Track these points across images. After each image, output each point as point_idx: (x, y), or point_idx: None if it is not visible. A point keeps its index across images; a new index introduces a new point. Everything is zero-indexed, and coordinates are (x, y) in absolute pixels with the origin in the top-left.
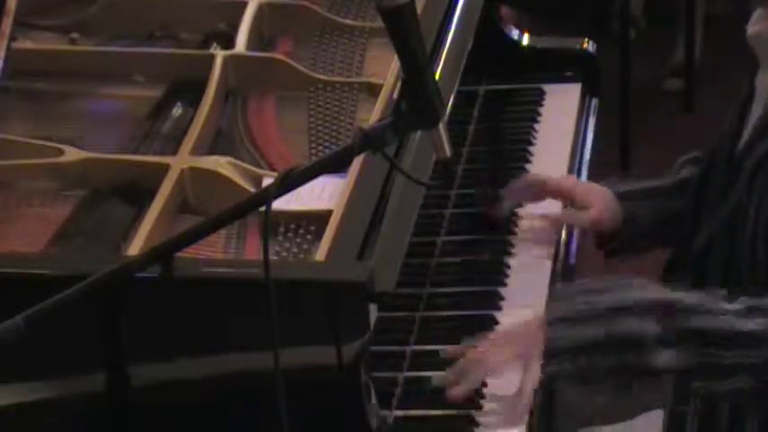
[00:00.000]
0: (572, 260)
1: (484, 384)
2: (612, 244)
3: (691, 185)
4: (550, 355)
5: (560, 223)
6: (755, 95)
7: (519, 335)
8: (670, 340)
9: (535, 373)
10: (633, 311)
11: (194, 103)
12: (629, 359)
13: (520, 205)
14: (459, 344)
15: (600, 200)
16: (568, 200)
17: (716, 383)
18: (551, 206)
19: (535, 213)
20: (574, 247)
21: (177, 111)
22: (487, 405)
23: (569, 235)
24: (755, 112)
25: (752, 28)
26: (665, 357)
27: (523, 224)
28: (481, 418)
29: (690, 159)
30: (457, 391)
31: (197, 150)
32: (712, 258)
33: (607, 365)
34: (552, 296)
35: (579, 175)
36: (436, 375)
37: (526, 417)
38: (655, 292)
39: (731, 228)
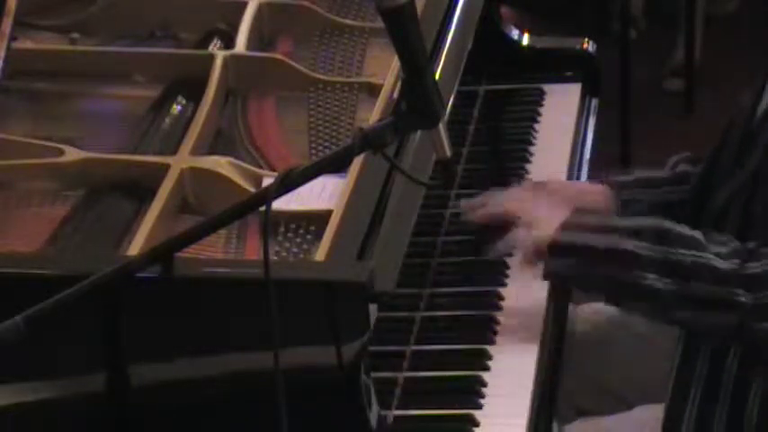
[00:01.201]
0: None
1: (483, 384)
2: None
3: (699, 169)
4: (553, 251)
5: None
6: None
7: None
8: (659, 267)
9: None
10: (635, 234)
11: (194, 102)
12: (620, 274)
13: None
14: (458, 344)
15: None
16: None
17: (696, 314)
18: None
19: None
20: None
21: (177, 110)
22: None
23: None
24: None
25: None
26: (651, 280)
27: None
28: (482, 419)
29: (684, 158)
30: (494, 252)
31: (197, 150)
32: (729, 220)
33: (600, 275)
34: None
35: (579, 175)
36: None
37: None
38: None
39: (747, 192)
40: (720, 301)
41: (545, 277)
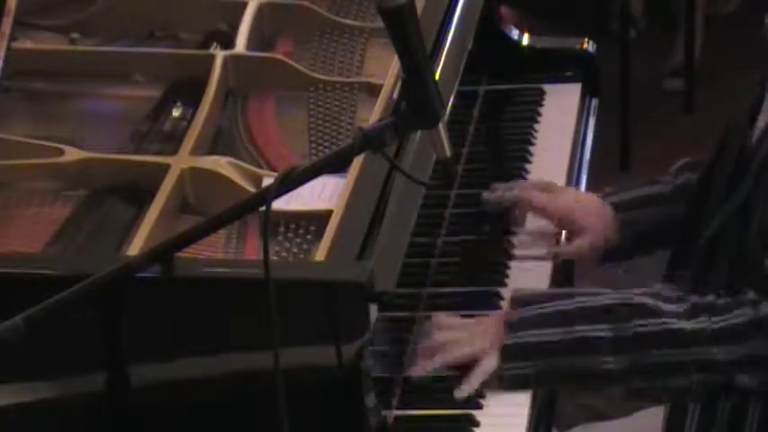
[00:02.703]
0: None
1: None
2: (612, 254)
3: (698, 175)
4: (506, 357)
5: (559, 257)
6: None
7: (483, 329)
8: (620, 346)
9: (490, 364)
10: (586, 316)
11: (194, 103)
12: (582, 363)
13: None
14: None
15: (597, 221)
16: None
17: (663, 381)
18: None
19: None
20: None
21: (177, 111)
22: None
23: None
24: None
25: None
26: (616, 361)
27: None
28: (482, 419)
29: (685, 165)
30: (417, 369)
31: (197, 150)
32: (721, 248)
33: (562, 368)
34: (510, 303)
35: (579, 175)
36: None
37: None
38: (599, 297)
39: (742, 218)
40: (695, 362)
41: (504, 386)
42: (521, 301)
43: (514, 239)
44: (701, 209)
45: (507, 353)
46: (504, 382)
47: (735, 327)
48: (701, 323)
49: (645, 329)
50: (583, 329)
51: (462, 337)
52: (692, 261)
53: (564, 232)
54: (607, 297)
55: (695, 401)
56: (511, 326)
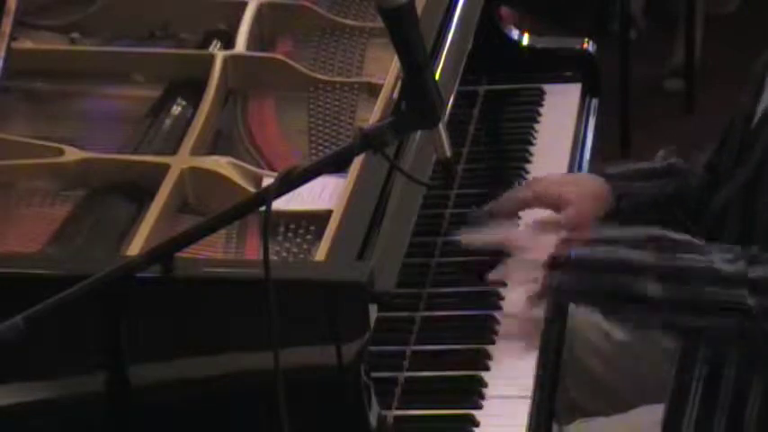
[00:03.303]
0: None
1: (483, 384)
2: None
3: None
4: (557, 266)
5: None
6: None
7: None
8: (662, 273)
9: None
10: (636, 244)
11: (194, 102)
12: (623, 282)
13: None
14: (458, 344)
15: (578, 195)
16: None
17: (697, 319)
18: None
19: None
20: None
21: (177, 110)
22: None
23: None
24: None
25: None
26: (653, 288)
27: (522, 225)
28: (482, 419)
29: (670, 151)
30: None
31: (197, 150)
32: (728, 221)
33: (604, 287)
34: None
35: None
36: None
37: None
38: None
39: (748, 192)
40: (725, 304)
41: (547, 293)
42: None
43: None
44: (710, 195)
45: (560, 264)
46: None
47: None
48: (739, 267)
49: (685, 263)
50: (626, 252)
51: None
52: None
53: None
54: (662, 231)
55: (725, 346)
56: (570, 243)
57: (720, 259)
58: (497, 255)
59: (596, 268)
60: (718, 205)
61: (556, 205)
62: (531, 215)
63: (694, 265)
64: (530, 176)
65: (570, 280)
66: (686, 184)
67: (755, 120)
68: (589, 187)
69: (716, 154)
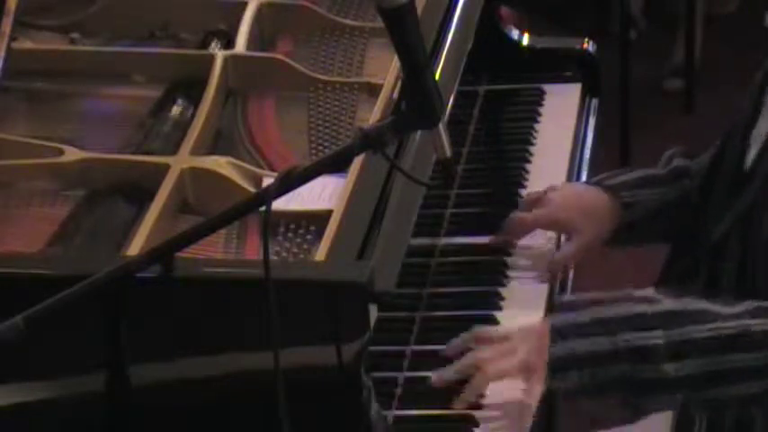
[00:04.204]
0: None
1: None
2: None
3: (693, 187)
4: (554, 368)
5: (559, 266)
6: (766, 92)
7: (524, 342)
8: (676, 351)
9: (539, 385)
10: (638, 323)
11: (194, 103)
12: (636, 371)
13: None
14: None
15: (586, 218)
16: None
17: (722, 389)
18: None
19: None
20: None
21: (177, 110)
22: (489, 412)
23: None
24: (767, 109)
25: None
26: (672, 367)
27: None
28: (482, 418)
29: (677, 152)
30: (460, 402)
31: (197, 150)
32: (727, 253)
33: (613, 377)
34: (556, 307)
35: (579, 175)
36: (435, 375)
37: (528, 426)
38: (657, 304)
39: (747, 223)
40: (762, 367)
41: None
42: (566, 305)
43: (510, 261)
44: (702, 213)
45: (556, 365)
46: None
47: None
48: (761, 325)
49: (700, 335)
50: (635, 336)
51: (499, 352)
52: (699, 268)
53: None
54: (660, 305)
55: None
56: (557, 334)
57: (736, 316)
58: (497, 253)
59: (602, 359)
60: (717, 236)
61: (568, 232)
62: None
63: (705, 336)
64: (529, 177)
65: (576, 378)
66: (690, 185)
67: (751, 152)
68: (593, 208)
69: (709, 171)
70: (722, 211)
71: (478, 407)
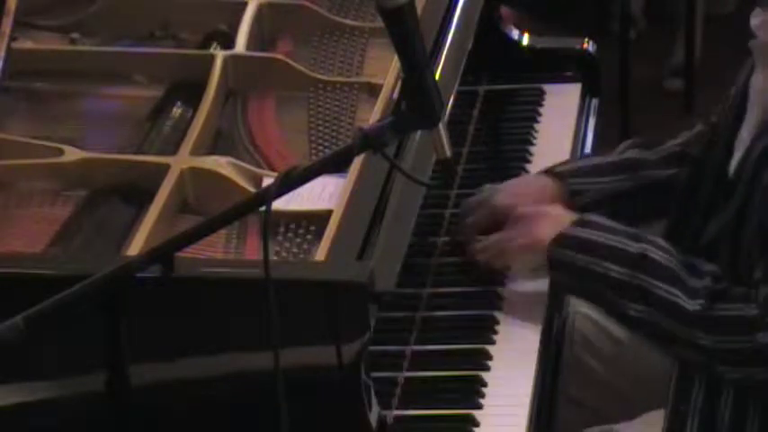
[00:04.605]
0: None
1: (484, 384)
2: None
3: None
4: (552, 265)
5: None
6: (749, 98)
7: (545, 221)
8: (632, 294)
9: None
10: (617, 256)
11: (194, 103)
12: (606, 296)
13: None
14: (458, 344)
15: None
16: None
17: (667, 347)
18: None
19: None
20: None
21: (177, 111)
22: (489, 410)
23: None
24: (751, 114)
25: (753, 21)
26: (626, 306)
27: None
28: (482, 418)
29: (630, 144)
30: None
31: (197, 150)
32: (719, 253)
33: (590, 293)
34: (581, 221)
35: None
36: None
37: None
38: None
39: (736, 224)
40: (684, 339)
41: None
42: (581, 222)
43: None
44: (689, 208)
45: (556, 264)
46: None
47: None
48: (697, 306)
49: (657, 292)
50: (609, 266)
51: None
52: None
53: None
54: (642, 246)
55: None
56: (566, 239)
57: (687, 291)
58: None
59: (581, 273)
60: (706, 240)
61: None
62: None
63: (663, 296)
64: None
65: (562, 278)
66: (647, 176)
67: (736, 155)
68: (541, 194)
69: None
70: (707, 218)
71: (478, 407)
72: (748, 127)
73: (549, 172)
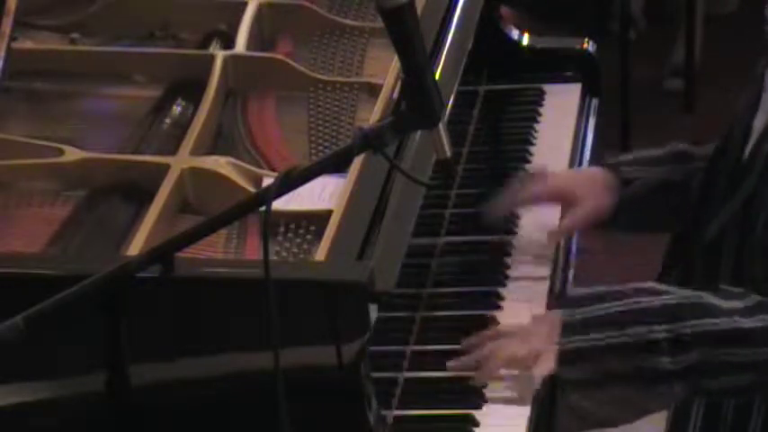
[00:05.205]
0: (572, 258)
1: (483, 385)
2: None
3: (696, 178)
4: (562, 361)
5: (560, 236)
6: (765, 88)
7: (536, 330)
8: (675, 344)
9: (547, 365)
10: (642, 318)
11: (194, 103)
12: (640, 362)
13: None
14: (459, 344)
15: (594, 186)
16: (567, 200)
17: (718, 380)
18: (550, 211)
19: (534, 223)
20: (574, 246)
21: (177, 111)
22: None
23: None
24: (766, 103)
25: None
26: (671, 360)
27: (523, 224)
28: (482, 418)
29: (681, 141)
30: (475, 380)
31: (197, 150)
32: (724, 248)
33: (618, 370)
34: (563, 301)
35: None
36: (452, 362)
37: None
38: (660, 296)
39: (743, 217)
40: (760, 363)
41: (564, 385)
42: (573, 300)
43: (521, 224)
44: (703, 208)
45: (564, 357)
46: (565, 386)
47: None
48: (760, 321)
49: (701, 329)
50: (640, 331)
51: (513, 340)
52: (696, 262)
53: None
54: (662, 298)
55: (760, 399)
56: (566, 328)
57: (738, 312)
58: (499, 252)
59: (607, 352)
60: (714, 229)
61: (569, 201)
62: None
63: (708, 330)
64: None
65: (583, 371)
66: (696, 168)
67: (749, 145)
68: (592, 181)
69: (711, 165)
70: (721, 203)
71: (478, 407)
72: (762, 115)
73: (598, 163)
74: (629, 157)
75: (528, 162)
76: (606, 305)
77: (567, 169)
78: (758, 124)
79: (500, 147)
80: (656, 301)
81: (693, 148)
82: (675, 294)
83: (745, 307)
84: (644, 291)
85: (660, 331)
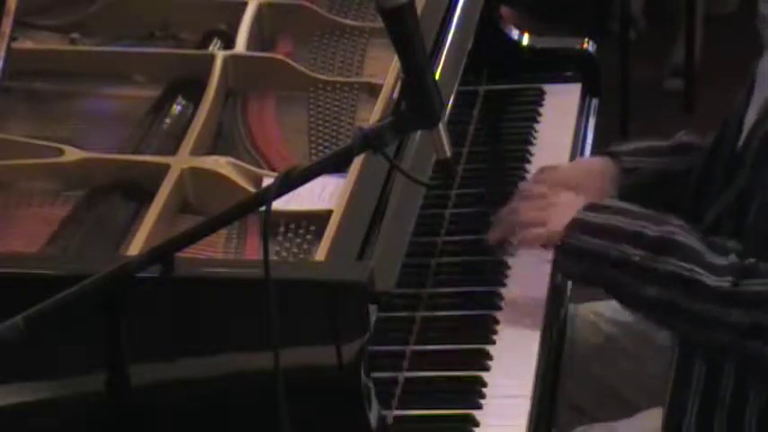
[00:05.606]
0: None
1: (483, 385)
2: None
3: (693, 172)
4: (564, 251)
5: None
6: (756, 82)
7: (560, 213)
8: (655, 278)
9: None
10: (637, 238)
11: (194, 102)
12: (622, 280)
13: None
14: (459, 344)
15: (593, 177)
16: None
17: (691, 330)
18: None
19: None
20: None
21: (177, 110)
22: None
23: None
24: (757, 96)
25: (762, 7)
26: (649, 290)
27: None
28: (482, 418)
29: (687, 132)
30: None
31: (197, 150)
32: (720, 235)
33: (604, 279)
34: (595, 206)
35: None
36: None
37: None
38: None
39: (738, 206)
40: (711, 319)
41: (557, 273)
42: (594, 207)
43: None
44: (700, 200)
45: (567, 250)
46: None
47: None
48: (724, 282)
49: (674, 269)
50: (628, 251)
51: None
52: None
53: None
54: (664, 229)
55: (702, 356)
56: (580, 225)
57: (711, 269)
58: (498, 252)
59: (600, 261)
60: (710, 219)
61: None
62: None
63: (688, 276)
64: (529, 177)
65: (576, 268)
66: (696, 160)
67: (743, 136)
68: (596, 169)
69: (708, 158)
70: (718, 193)
71: (478, 407)
72: (754, 108)
73: (601, 152)
74: (632, 145)
75: (528, 162)
76: (618, 218)
77: (567, 163)
78: (750, 117)
79: (500, 147)
80: (655, 230)
81: (700, 140)
82: (677, 233)
83: (730, 265)
84: (655, 218)
85: (640, 255)
